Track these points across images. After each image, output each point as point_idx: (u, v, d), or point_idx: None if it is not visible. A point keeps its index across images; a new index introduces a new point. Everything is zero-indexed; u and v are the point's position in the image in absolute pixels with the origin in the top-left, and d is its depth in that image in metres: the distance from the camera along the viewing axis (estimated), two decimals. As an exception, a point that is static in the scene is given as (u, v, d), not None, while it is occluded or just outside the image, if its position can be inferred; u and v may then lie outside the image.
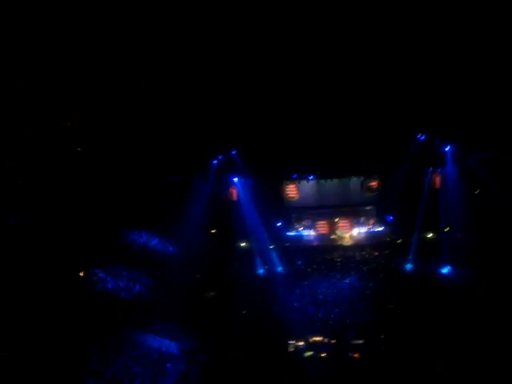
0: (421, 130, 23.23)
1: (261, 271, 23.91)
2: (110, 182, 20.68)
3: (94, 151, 20.29)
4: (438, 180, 24.19)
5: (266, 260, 24.26)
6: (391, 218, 25.92)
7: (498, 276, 19.54)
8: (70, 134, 19.53)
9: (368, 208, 26.20)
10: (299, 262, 24.19)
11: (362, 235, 25.89)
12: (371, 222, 26.02)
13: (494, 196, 21.86)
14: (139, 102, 20.28)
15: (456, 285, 20.62)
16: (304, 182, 26.23)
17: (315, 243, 25.81)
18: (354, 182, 26.17)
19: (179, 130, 21.59)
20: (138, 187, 21.64)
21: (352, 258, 24.44)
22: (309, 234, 26.15)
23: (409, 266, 23.10)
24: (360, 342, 17.69)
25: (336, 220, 26.07)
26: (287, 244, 25.34)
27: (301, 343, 18.07)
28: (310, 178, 26.00)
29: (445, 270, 22.20)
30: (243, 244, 25.10)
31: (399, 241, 25.03)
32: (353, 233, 25.89)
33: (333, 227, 26.11)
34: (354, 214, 26.10)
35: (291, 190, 26.44)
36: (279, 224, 26.12)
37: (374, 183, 26.14)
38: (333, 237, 26.01)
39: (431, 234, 24.36)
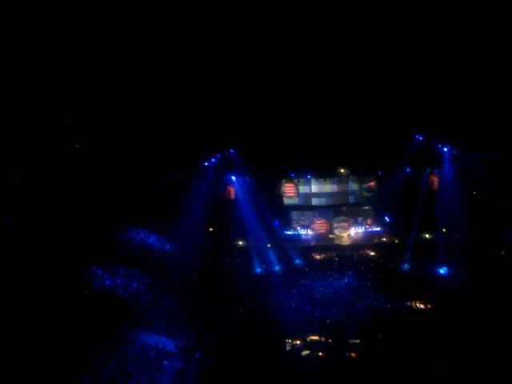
0: (419, 131, 23.33)
1: (258, 270, 23.88)
2: (109, 180, 20.67)
3: (94, 151, 20.31)
4: (435, 180, 24.29)
5: (264, 259, 24.24)
6: (389, 218, 26.02)
7: (495, 276, 19.63)
8: (70, 133, 19.56)
9: (366, 208, 26.28)
10: (297, 262, 24.22)
11: (360, 235, 25.99)
12: (369, 221, 26.10)
13: (492, 196, 21.96)
14: (139, 101, 20.31)
15: (453, 285, 20.69)
16: (302, 182, 26.33)
17: (313, 243, 25.86)
18: (352, 181, 26.30)
19: (178, 129, 21.62)
20: (136, 185, 21.62)
21: (349, 257, 24.49)
22: (306, 233, 26.20)
23: (406, 266, 23.14)
24: (357, 341, 17.69)
25: (334, 220, 26.11)
26: (285, 243, 25.29)
27: (298, 342, 18.06)
28: (308, 177, 26.14)
29: (442, 271, 22.26)
30: (241, 243, 25.14)
31: (396, 241, 25.14)
32: (350, 233, 25.97)
33: (330, 227, 26.15)
34: (352, 213, 26.15)
35: (289, 189, 26.50)
36: (277, 223, 26.10)
37: (371, 183, 26.25)
38: (330, 236, 26.10)
39: (428, 235, 24.46)
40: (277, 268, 23.94)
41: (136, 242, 22.63)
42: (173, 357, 16.37)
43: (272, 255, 24.37)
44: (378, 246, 25.10)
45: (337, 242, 25.86)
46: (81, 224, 19.11)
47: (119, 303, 17.95)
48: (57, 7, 16.36)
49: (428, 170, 24.51)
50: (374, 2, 18.87)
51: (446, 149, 23.51)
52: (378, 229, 25.95)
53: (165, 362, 15.93)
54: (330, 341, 18.00)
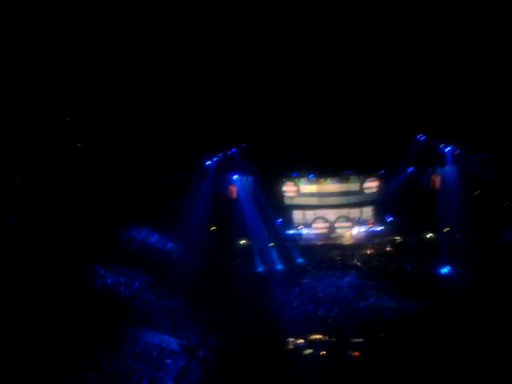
0: (421, 130, 23.33)
1: (260, 269, 23.89)
2: (109, 180, 20.65)
3: (94, 151, 20.29)
4: (437, 180, 24.27)
5: (266, 258, 24.23)
6: (391, 217, 25.99)
7: (498, 276, 19.61)
8: (70, 133, 19.54)
9: (367, 207, 26.25)
10: (299, 261, 24.22)
11: (362, 234, 25.95)
12: (371, 221, 26.07)
13: (494, 196, 21.96)
14: (139, 101, 20.30)
15: (455, 284, 20.67)
16: (304, 181, 26.31)
17: (315, 242, 25.84)
18: (354, 181, 26.27)
19: (179, 129, 21.61)
20: (136, 185, 21.60)
21: (351, 257, 24.49)
22: (308, 232, 26.17)
23: (408, 266, 23.12)
24: (360, 340, 17.68)
25: (335, 219, 26.10)
26: (287, 242, 25.29)
27: (300, 341, 18.05)
28: (310, 176, 26.12)
29: (444, 270, 22.25)
30: (243, 242, 25.08)
31: (398, 240, 25.13)
32: (352, 232, 25.94)
33: (332, 226, 26.15)
34: (354, 213, 26.13)
35: (291, 189, 26.47)
36: (279, 222, 26.10)
37: (373, 183, 26.22)
38: (332, 236, 26.08)
39: (430, 234, 24.45)
40: (279, 267, 23.95)
41: (137, 242, 22.59)
42: (176, 355, 16.36)
43: (274, 254, 24.37)
44: (380, 246, 25.08)
45: (339, 241, 25.84)
46: (81, 224, 19.08)
47: (121, 302, 17.96)
48: (57, 7, 16.35)
49: (430, 169, 24.51)
50: (374, 2, 18.87)
51: (448, 149, 23.49)
52: (380, 228, 25.90)
53: (168, 361, 15.92)
54: (332, 340, 18.00)
